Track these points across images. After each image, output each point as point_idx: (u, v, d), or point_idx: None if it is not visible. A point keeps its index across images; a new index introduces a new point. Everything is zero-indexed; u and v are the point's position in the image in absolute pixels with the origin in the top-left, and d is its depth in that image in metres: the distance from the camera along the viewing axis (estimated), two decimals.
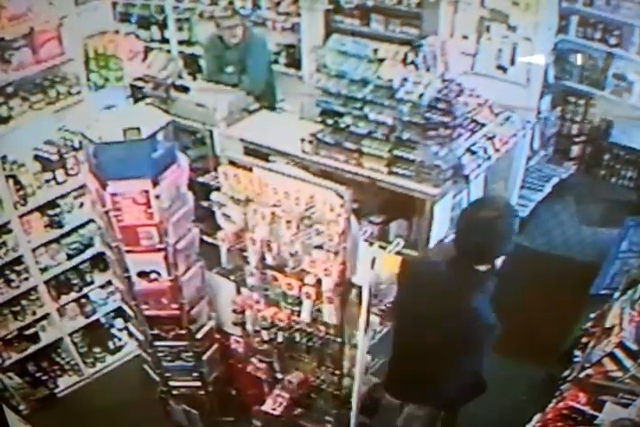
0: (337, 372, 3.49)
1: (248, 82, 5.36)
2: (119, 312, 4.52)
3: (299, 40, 6.54)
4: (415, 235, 4.76)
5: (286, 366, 3.63)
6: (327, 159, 4.82)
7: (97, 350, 4.71)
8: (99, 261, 4.45)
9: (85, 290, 4.56)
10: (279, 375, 3.67)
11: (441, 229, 4.73)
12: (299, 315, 3.32)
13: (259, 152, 4.87)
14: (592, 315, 3.82)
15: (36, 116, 4.01)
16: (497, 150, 4.85)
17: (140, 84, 5.11)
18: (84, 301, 4.58)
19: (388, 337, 3.37)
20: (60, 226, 4.29)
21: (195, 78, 6.06)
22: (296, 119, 5.13)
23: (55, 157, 4.15)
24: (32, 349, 4.44)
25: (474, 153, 4.72)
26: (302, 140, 4.85)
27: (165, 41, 6.72)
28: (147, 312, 3.50)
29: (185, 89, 5.18)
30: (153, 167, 3.06)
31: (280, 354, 3.58)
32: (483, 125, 4.84)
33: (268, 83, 5.61)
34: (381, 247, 3.17)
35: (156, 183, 3.07)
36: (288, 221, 3.08)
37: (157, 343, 3.66)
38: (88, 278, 4.54)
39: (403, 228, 4.83)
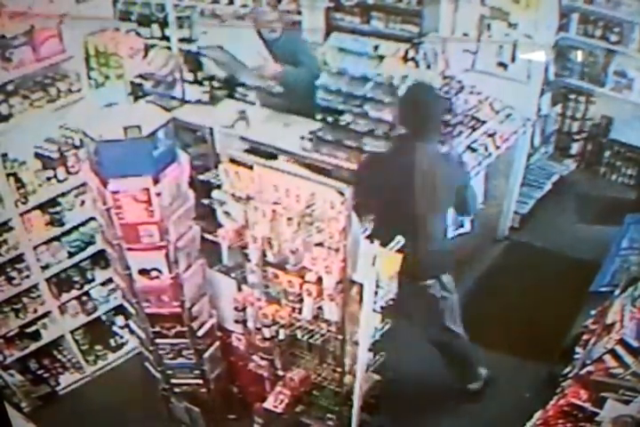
0: (338, 369, 3.49)
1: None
2: (120, 310, 4.51)
3: None
4: None
5: (288, 364, 3.63)
6: (328, 157, 4.81)
7: (98, 347, 4.72)
8: (100, 259, 4.45)
9: (86, 288, 4.56)
10: (280, 373, 3.67)
11: None
12: (300, 312, 3.33)
13: (259, 150, 4.86)
14: (593, 312, 3.82)
15: (37, 114, 4.02)
16: (497, 147, 4.84)
17: (140, 81, 5.11)
18: (85, 298, 4.58)
19: (389, 334, 3.38)
20: (61, 224, 4.30)
21: (195, 76, 6.04)
22: (296, 116, 5.12)
23: (56, 155, 4.15)
24: (33, 346, 4.44)
25: (474, 150, 4.72)
26: (302, 137, 4.85)
27: (166, 38, 6.72)
28: (148, 310, 3.51)
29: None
30: (154, 165, 3.07)
31: (281, 351, 3.59)
32: (483, 123, 4.83)
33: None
34: (382, 245, 3.17)
35: (156, 181, 3.07)
36: (289, 219, 3.08)
37: (159, 341, 3.67)
38: (89, 276, 4.55)
39: None
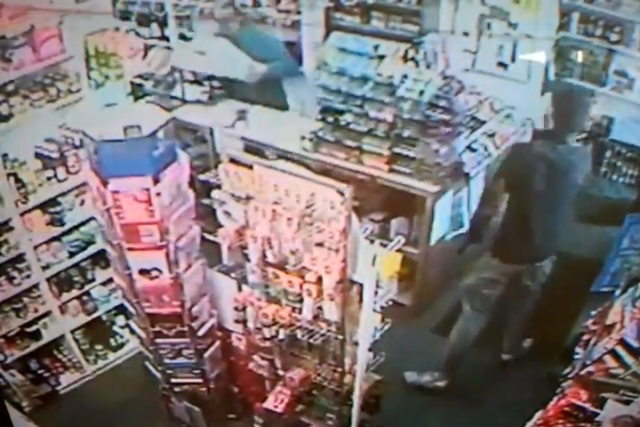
0: (338, 369, 3.49)
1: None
2: (121, 309, 4.52)
3: (299, 37, 6.53)
4: (416, 232, 4.75)
5: (288, 364, 3.63)
6: (327, 157, 4.82)
7: (99, 347, 4.73)
8: (100, 259, 4.46)
9: (87, 287, 4.57)
10: (281, 372, 3.67)
11: (441, 226, 4.73)
12: (300, 312, 3.33)
13: (259, 150, 4.87)
14: (593, 312, 3.81)
15: (37, 114, 4.02)
16: (497, 148, 4.85)
17: (140, 81, 5.12)
18: (85, 298, 4.60)
19: (389, 334, 3.38)
20: (62, 224, 4.30)
21: (195, 76, 6.05)
22: (296, 117, 5.13)
23: (56, 155, 4.16)
24: (34, 346, 4.45)
25: (474, 150, 4.72)
26: (302, 137, 4.85)
27: (165, 38, 6.72)
28: (148, 310, 3.51)
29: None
30: (154, 165, 3.07)
31: (281, 351, 3.59)
32: (483, 123, 4.84)
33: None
34: (382, 245, 3.17)
35: (156, 181, 3.07)
36: (289, 219, 3.08)
37: (159, 341, 3.67)
38: (89, 276, 4.55)
39: (403, 225, 4.82)
